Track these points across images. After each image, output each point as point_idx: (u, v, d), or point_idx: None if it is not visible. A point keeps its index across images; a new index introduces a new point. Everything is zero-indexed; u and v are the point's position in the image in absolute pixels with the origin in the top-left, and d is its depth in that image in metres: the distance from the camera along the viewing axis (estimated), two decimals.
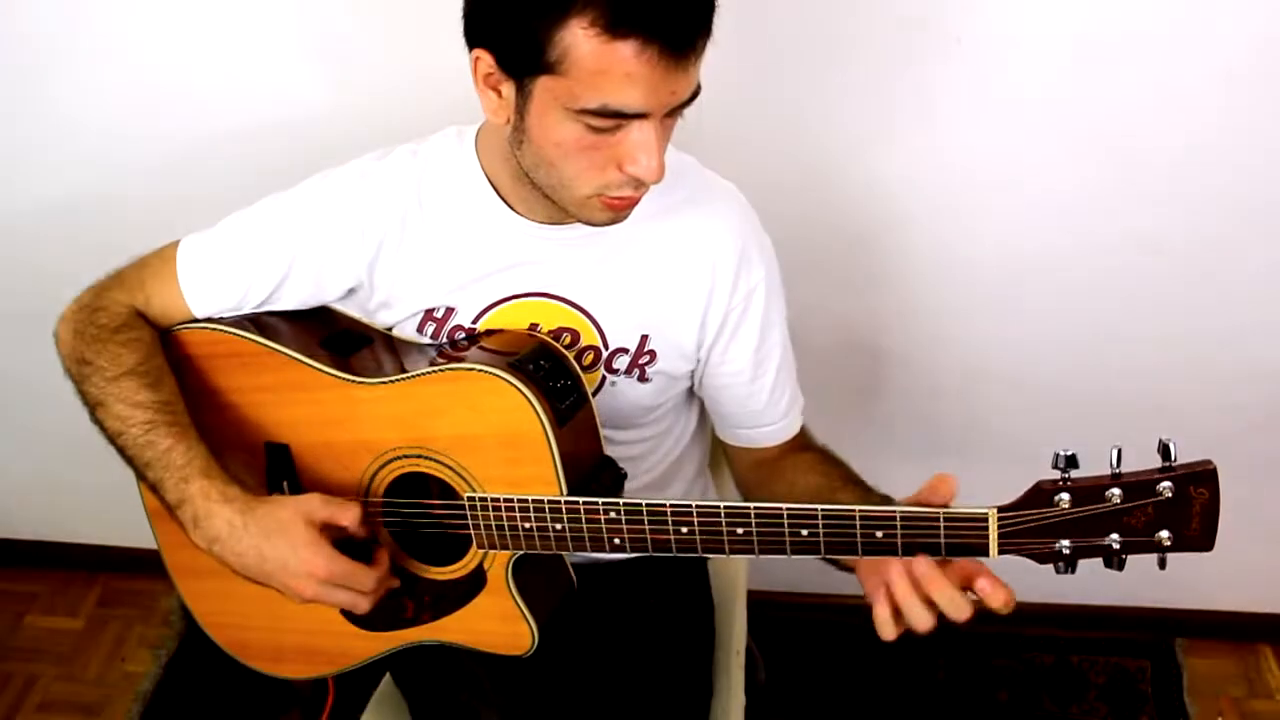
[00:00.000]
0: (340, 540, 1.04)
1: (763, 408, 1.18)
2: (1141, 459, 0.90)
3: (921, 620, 0.92)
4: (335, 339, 1.15)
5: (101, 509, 2.01)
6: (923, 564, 0.91)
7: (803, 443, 1.21)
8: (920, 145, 1.45)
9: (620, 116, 0.90)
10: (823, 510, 0.94)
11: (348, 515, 1.04)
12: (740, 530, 0.97)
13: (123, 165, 1.60)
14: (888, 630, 0.95)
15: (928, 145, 1.44)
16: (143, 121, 1.56)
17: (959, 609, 0.91)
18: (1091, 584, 1.87)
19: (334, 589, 1.02)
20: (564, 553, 1.06)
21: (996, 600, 0.91)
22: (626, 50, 0.86)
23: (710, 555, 1.00)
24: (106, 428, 1.09)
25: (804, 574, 1.88)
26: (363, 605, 1.04)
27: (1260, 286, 1.51)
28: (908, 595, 0.92)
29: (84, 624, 2.08)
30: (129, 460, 1.09)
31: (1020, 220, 1.50)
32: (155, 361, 1.11)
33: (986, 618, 2.03)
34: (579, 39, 0.86)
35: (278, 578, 1.02)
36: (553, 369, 1.05)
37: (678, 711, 1.24)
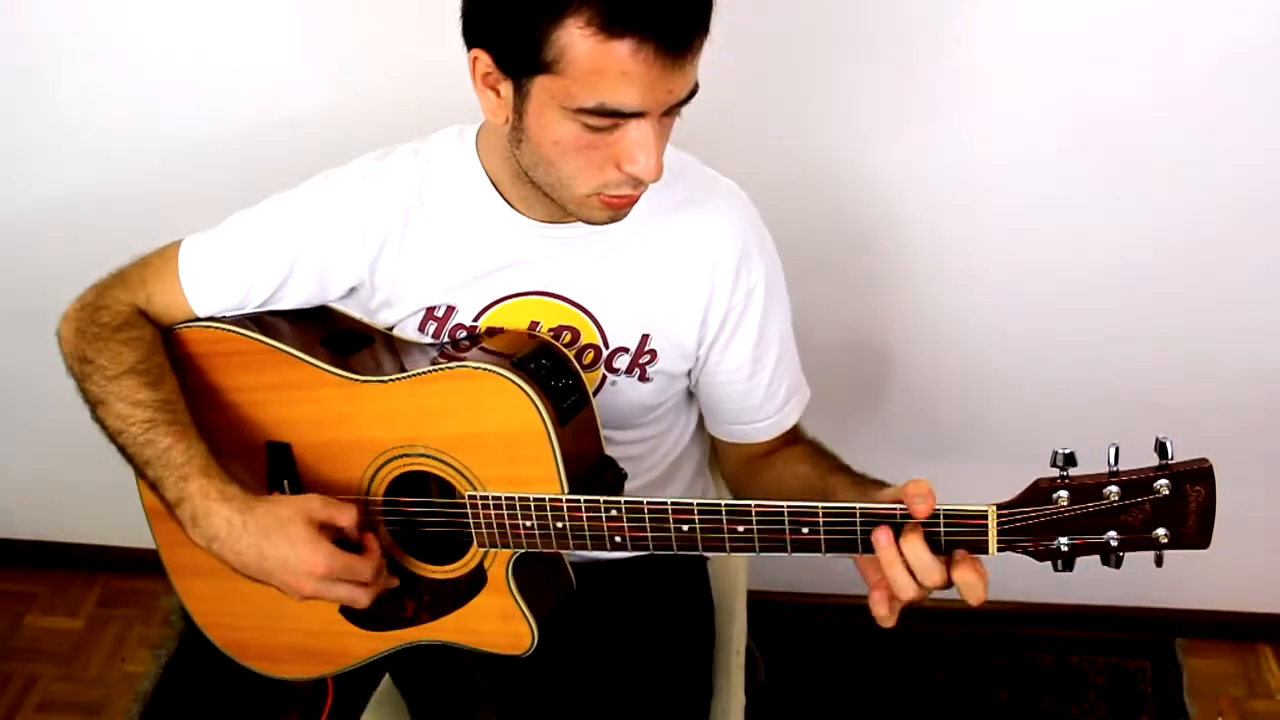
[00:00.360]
0: (338, 541, 1.05)
1: (758, 403, 1.18)
2: (1141, 459, 0.90)
3: (903, 586, 0.92)
4: (336, 338, 1.15)
5: (101, 509, 2.01)
6: (908, 526, 0.92)
7: (792, 437, 1.22)
8: (920, 145, 1.45)
9: (617, 115, 0.90)
10: (824, 508, 0.94)
11: (345, 517, 1.04)
12: (741, 528, 0.97)
13: (123, 165, 1.60)
14: (884, 615, 0.95)
15: (927, 145, 1.44)
16: (143, 121, 1.55)
17: (927, 572, 0.91)
18: (1091, 584, 1.87)
19: (334, 584, 1.03)
20: (563, 552, 1.06)
21: (971, 594, 0.91)
22: (622, 49, 0.86)
23: (711, 553, 1.00)
24: (107, 426, 1.09)
25: (804, 574, 1.88)
26: (363, 599, 1.05)
27: (1260, 286, 1.51)
28: (893, 561, 0.92)
29: (84, 624, 2.07)
30: (129, 459, 1.09)
31: (1020, 220, 1.50)
32: (156, 360, 1.11)
33: (987, 618, 2.03)
34: (575, 38, 0.86)
35: (277, 575, 1.02)
36: (554, 368, 1.05)
37: (678, 711, 1.24)
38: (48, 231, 1.69)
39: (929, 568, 0.91)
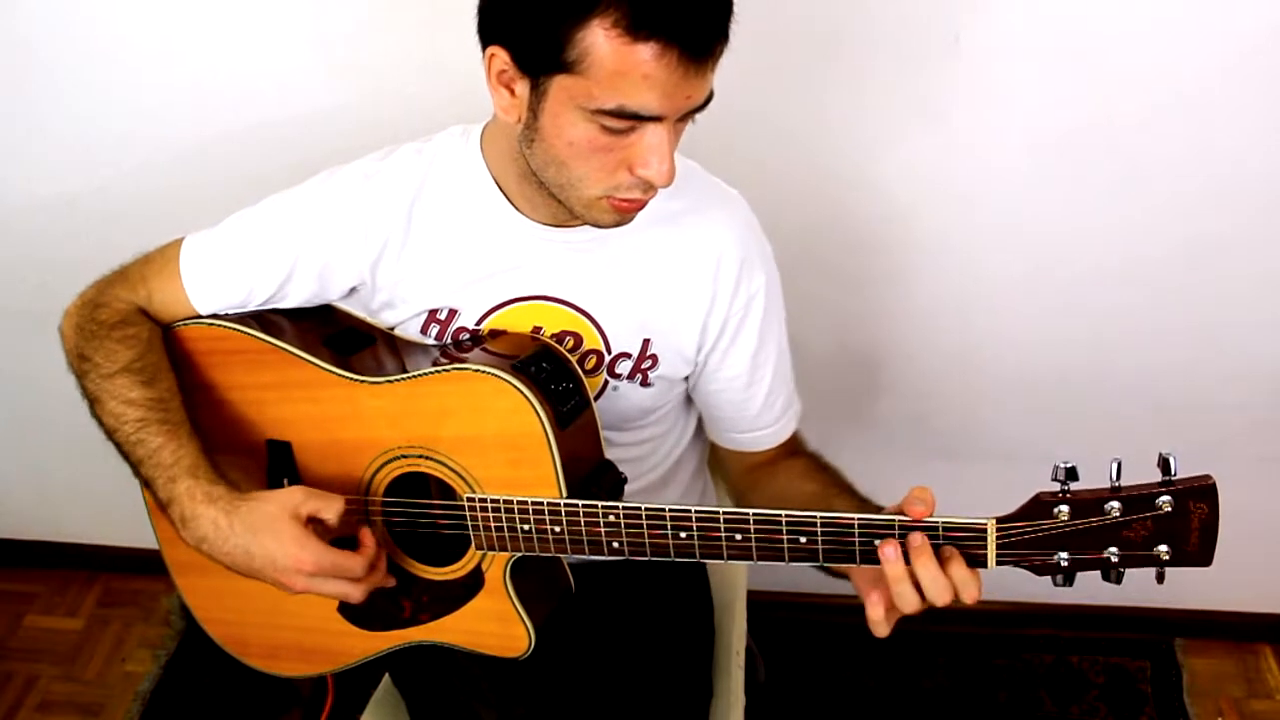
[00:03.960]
0: (337, 538, 1.04)
1: (757, 412, 1.18)
2: (1141, 457, 0.90)
3: (907, 600, 0.92)
4: (338, 337, 1.15)
5: (101, 509, 2.01)
6: (918, 537, 0.91)
7: (794, 448, 1.22)
8: (919, 145, 1.44)
9: (636, 118, 0.90)
10: (822, 518, 0.94)
11: (331, 509, 1.03)
12: (739, 537, 0.97)
13: (125, 163, 1.60)
14: (881, 629, 0.95)
15: (927, 145, 1.44)
16: (145, 120, 1.55)
17: (940, 591, 0.91)
18: (1092, 585, 1.87)
19: (325, 580, 1.02)
20: (562, 555, 1.06)
21: (966, 593, 0.91)
22: (646, 52, 0.86)
23: (708, 561, 1.00)
24: (104, 424, 1.09)
25: (803, 574, 1.87)
26: (355, 594, 1.04)
27: (1259, 286, 1.51)
28: (900, 577, 0.92)
29: (84, 624, 2.08)
30: (124, 457, 1.09)
31: (1020, 220, 1.50)
32: (151, 359, 1.10)
33: (987, 618, 2.02)
34: (600, 39, 0.86)
35: (267, 574, 1.02)
36: (555, 372, 1.05)
37: (677, 712, 1.24)
38: (49, 230, 1.69)
39: (944, 589, 0.91)
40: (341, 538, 1.05)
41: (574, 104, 0.90)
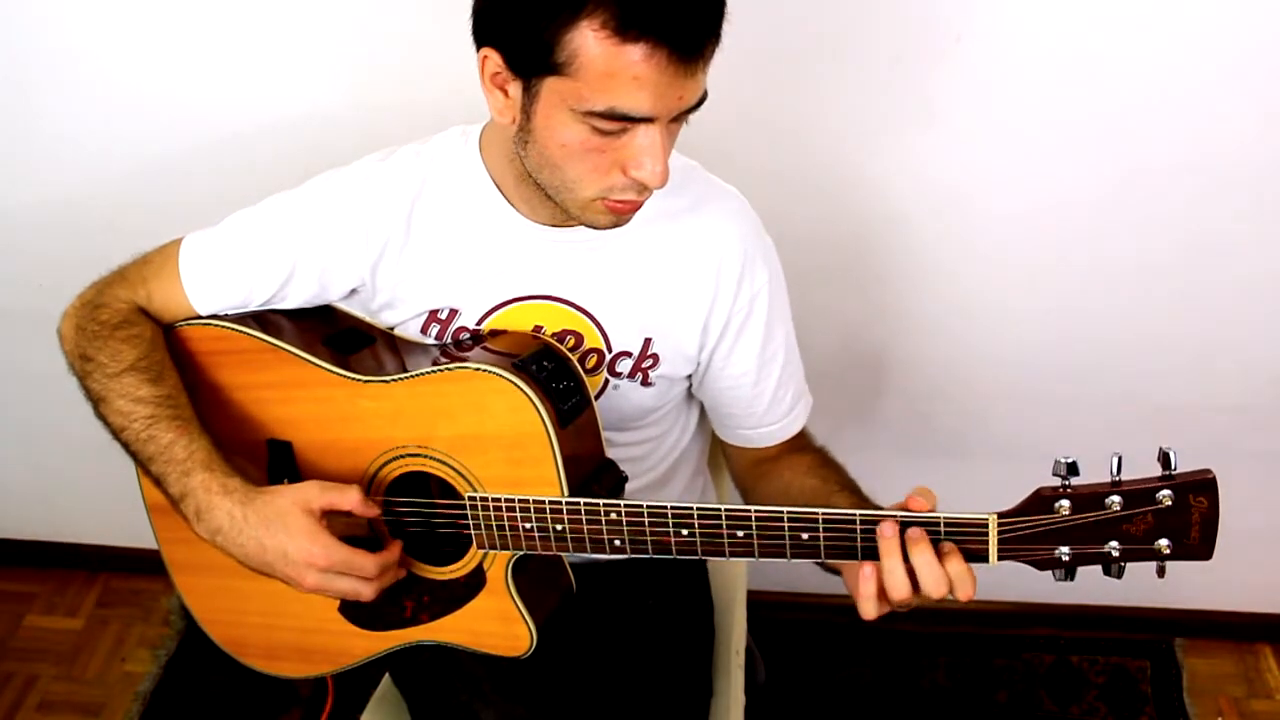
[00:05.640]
0: (352, 536, 1.04)
1: (765, 408, 1.18)
2: (1142, 457, 0.90)
3: (898, 584, 0.92)
4: (339, 337, 1.15)
5: (101, 509, 2.01)
6: (916, 530, 0.92)
7: (802, 443, 1.22)
8: (919, 145, 1.45)
9: (627, 120, 0.90)
10: (823, 514, 0.94)
11: (347, 499, 1.03)
12: (740, 533, 0.97)
13: (128, 164, 1.60)
14: (869, 606, 0.95)
15: (927, 145, 1.44)
16: (148, 121, 1.55)
17: (935, 582, 0.91)
18: (1092, 584, 1.87)
19: (335, 577, 1.02)
20: (563, 554, 1.06)
21: (961, 589, 0.91)
22: (636, 53, 0.86)
23: (710, 558, 1.00)
24: (110, 423, 1.09)
25: (803, 574, 1.88)
26: (366, 593, 1.04)
27: (1260, 287, 1.51)
28: (893, 551, 0.92)
29: (84, 624, 2.07)
30: (133, 455, 1.09)
31: (1020, 219, 1.50)
32: (156, 357, 1.10)
33: (987, 618, 2.02)
34: (589, 41, 0.86)
35: (278, 568, 1.02)
36: (556, 370, 1.05)
37: (678, 711, 1.24)
38: (49, 229, 1.69)
39: (939, 579, 0.91)
40: (355, 537, 1.05)
41: (565, 106, 0.90)
